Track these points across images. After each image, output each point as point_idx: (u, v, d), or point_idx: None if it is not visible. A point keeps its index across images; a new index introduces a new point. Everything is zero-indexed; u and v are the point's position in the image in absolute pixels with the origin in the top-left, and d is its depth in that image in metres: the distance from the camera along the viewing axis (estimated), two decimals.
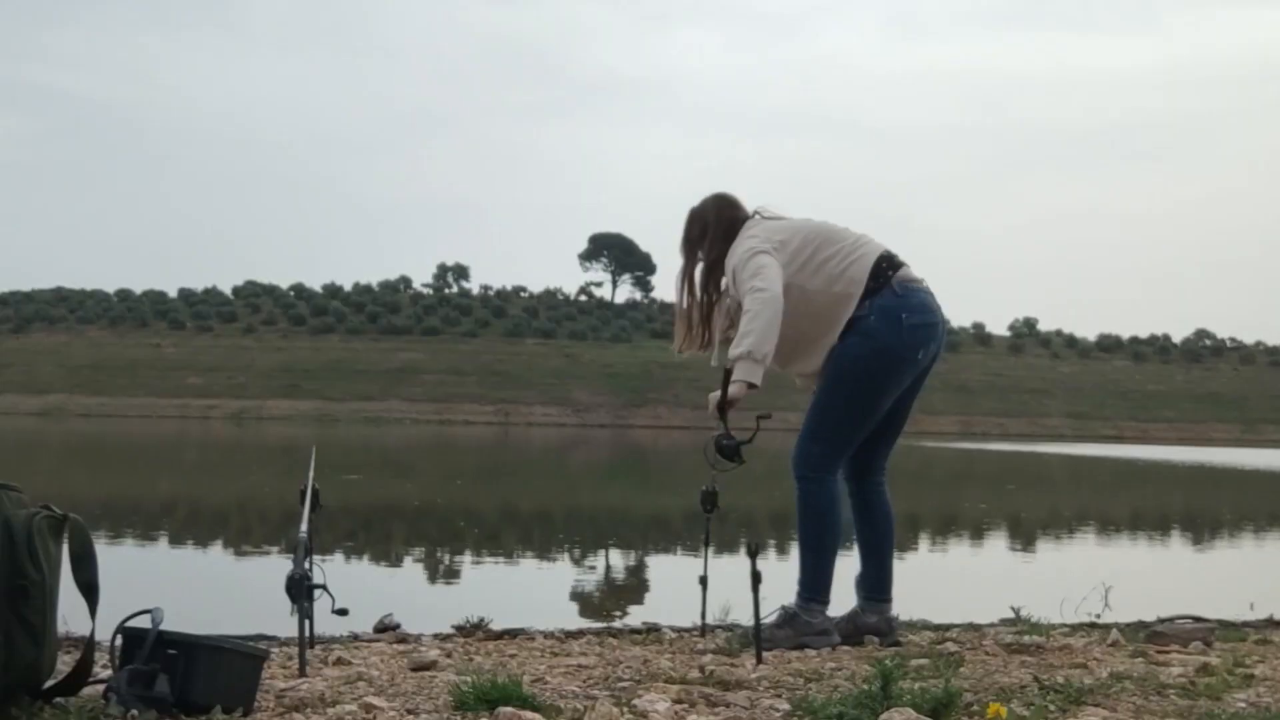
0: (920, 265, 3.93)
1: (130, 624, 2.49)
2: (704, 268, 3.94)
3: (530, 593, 6.64)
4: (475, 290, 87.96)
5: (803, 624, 3.79)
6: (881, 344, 3.71)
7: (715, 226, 3.92)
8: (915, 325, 3.71)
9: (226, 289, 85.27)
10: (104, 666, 2.79)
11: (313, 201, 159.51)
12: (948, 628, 4.43)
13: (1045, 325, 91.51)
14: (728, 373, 3.58)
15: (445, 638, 4.09)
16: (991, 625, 4.51)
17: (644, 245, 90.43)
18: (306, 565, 3.01)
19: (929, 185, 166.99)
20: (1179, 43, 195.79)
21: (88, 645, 2.54)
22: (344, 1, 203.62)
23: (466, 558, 8.43)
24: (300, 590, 3.00)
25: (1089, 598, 5.03)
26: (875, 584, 3.97)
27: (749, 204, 4.02)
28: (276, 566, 6.12)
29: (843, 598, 4.01)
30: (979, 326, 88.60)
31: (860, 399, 3.77)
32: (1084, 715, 2.68)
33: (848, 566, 4.06)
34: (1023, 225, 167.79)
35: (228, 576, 6.99)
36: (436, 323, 79.69)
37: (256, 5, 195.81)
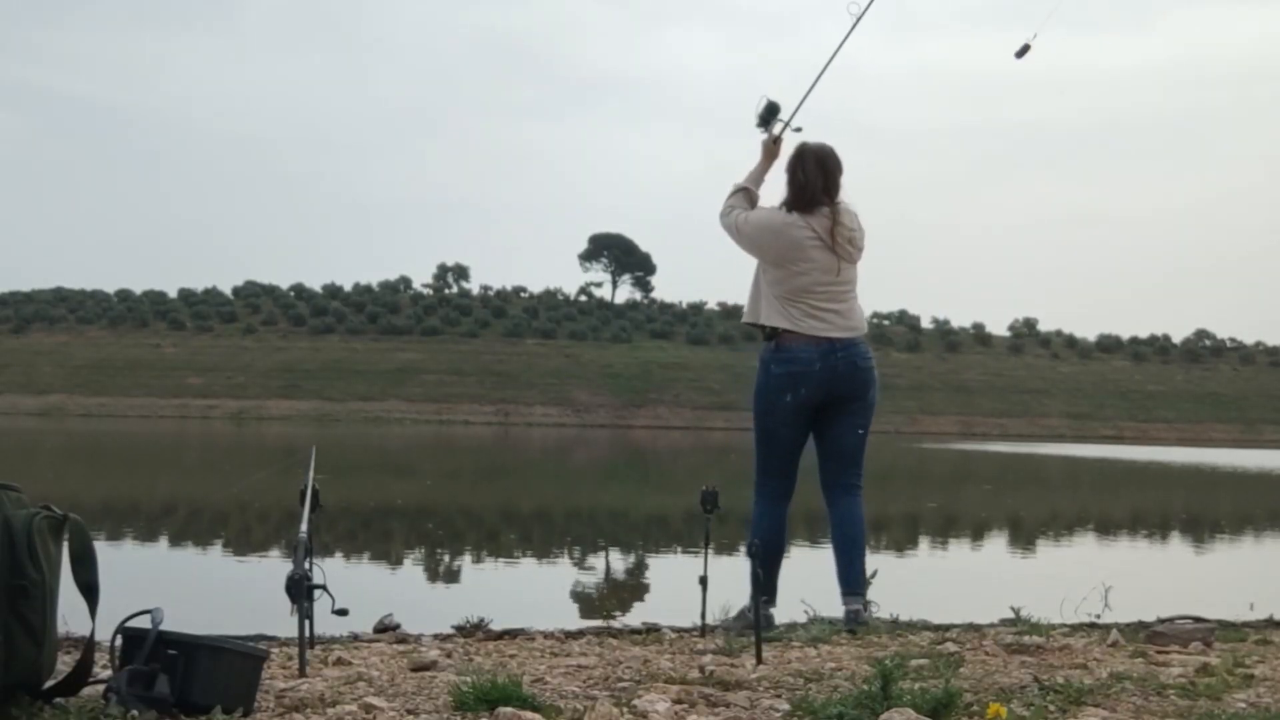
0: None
1: (130, 624, 2.49)
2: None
3: (530, 593, 6.64)
4: (475, 290, 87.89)
5: (741, 616, 4.35)
6: (758, 387, 4.54)
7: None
8: (780, 374, 4.44)
9: (226, 289, 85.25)
10: (104, 666, 2.79)
11: (312, 201, 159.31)
12: (948, 628, 4.43)
13: (1045, 325, 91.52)
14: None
15: (445, 638, 4.09)
16: (991, 625, 4.51)
17: (644, 245, 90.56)
18: (306, 565, 3.01)
19: (928, 185, 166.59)
20: (1177, 42, 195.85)
21: (88, 645, 2.54)
22: (339, 1, 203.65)
23: (466, 558, 8.43)
24: (300, 590, 3.00)
25: (1089, 598, 5.03)
26: (841, 578, 4.46)
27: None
28: (276, 567, 6.13)
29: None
30: (979, 326, 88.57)
31: (760, 434, 4.56)
32: (1084, 715, 2.68)
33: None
34: (1023, 225, 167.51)
35: (228, 577, 6.99)
36: (436, 323, 79.63)
37: (252, 5, 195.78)
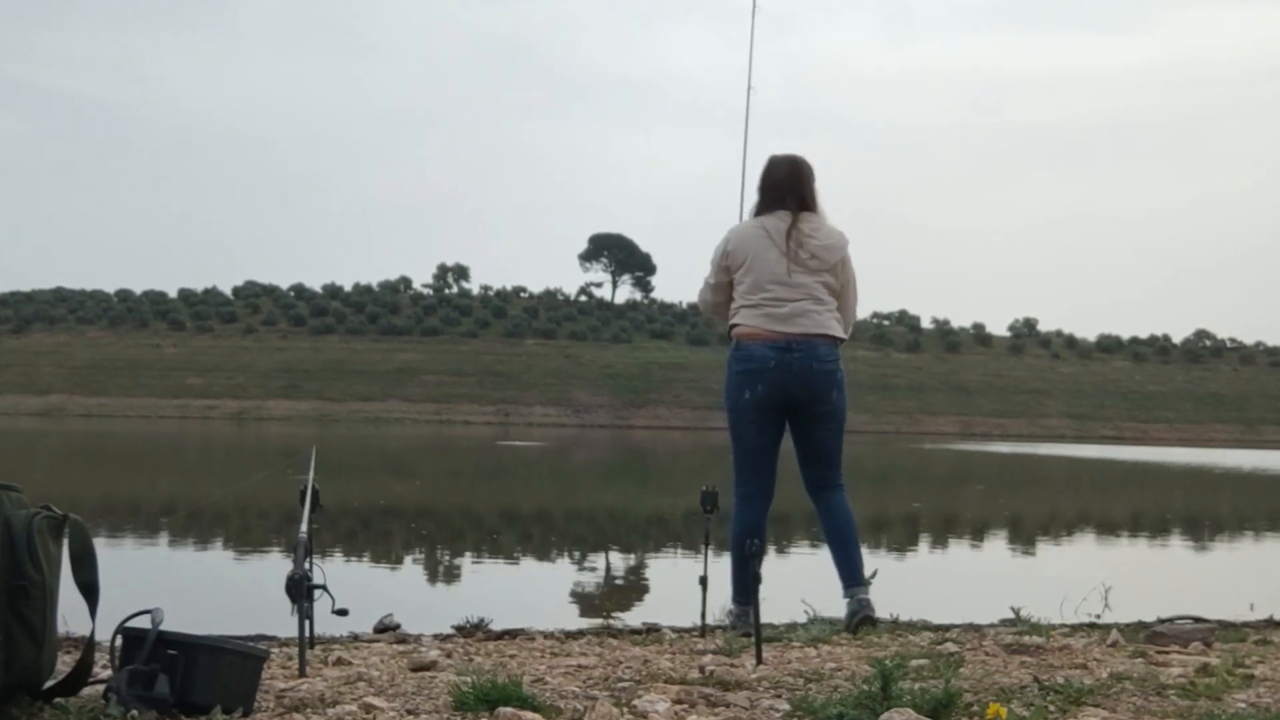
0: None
1: (130, 624, 2.49)
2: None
3: (530, 593, 6.64)
4: (475, 290, 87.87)
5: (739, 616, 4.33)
6: (725, 387, 4.54)
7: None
8: (739, 371, 4.45)
9: (226, 289, 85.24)
10: (104, 667, 2.79)
11: (313, 202, 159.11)
12: (948, 628, 4.43)
13: (1045, 325, 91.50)
14: None
15: (445, 638, 4.09)
16: (991, 625, 4.51)
17: (644, 245, 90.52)
18: (306, 565, 3.01)
19: (927, 185, 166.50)
20: (1176, 42, 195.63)
21: (88, 645, 2.54)
22: (339, 1, 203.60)
23: (466, 558, 8.44)
24: (300, 590, 2.99)
25: (1089, 598, 5.03)
26: (841, 572, 4.40)
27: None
28: (276, 566, 6.13)
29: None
30: (979, 327, 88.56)
31: (731, 434, 4.56)
32: (1084, 716, 2.68)
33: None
34: (1022, 225, 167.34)
35: (228, 576, 6.99)
36: (436, 323, 79.63)
37: (252, 5, 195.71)
